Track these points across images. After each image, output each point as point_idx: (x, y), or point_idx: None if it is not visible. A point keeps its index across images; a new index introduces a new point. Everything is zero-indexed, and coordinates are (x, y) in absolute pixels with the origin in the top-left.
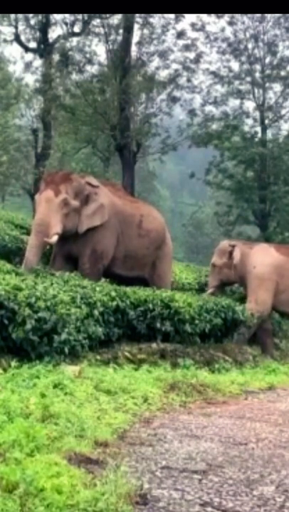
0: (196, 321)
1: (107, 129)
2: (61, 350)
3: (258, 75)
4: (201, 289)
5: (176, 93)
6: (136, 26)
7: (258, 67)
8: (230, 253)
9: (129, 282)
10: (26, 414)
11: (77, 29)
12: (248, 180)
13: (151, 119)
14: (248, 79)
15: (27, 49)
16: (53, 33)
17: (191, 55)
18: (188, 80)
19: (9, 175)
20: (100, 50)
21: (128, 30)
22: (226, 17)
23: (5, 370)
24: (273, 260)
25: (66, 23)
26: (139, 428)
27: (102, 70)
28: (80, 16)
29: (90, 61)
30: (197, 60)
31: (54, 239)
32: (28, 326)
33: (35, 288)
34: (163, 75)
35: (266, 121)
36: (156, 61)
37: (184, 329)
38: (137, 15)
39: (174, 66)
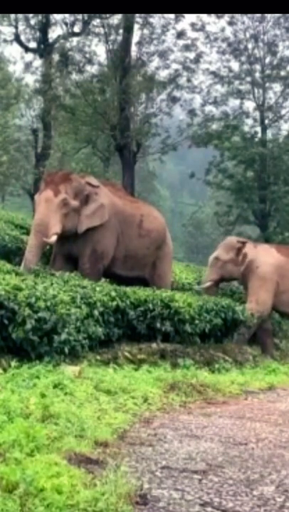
0: (196, 321)
1: (107, 129)
2: (61, 350)
3: (258, 75)
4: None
5: (176, 93)
6: (136, 26)
7: (258, 67)
8: (239, 250)
9: (129, 282)
10: (26, 414)
11: (77, 29)
12: (248, 180)
13: (151, 119)
14: (248, 79)
15: (27, 49)
16: (53, 33)
17: (191, 55)
18: (188, 80)
19: (9, 175)
20: (100, 50)
21: (128, 30)
22: (226, 17)
23: (5, 370)
24: (274, 261)
25: (66, 23)
26: (139, 428)
27: (102, 70)
28: (80, 16)
29: (90, 61)
30: (197, 60)
31: (53, 239)
32: (28, 326)
33: (35, 288)
34: (163, 75)
35: (266, 121)
36: (156, 61)
37: (184, 329)
38: (137, 15)
39: (174, 66)
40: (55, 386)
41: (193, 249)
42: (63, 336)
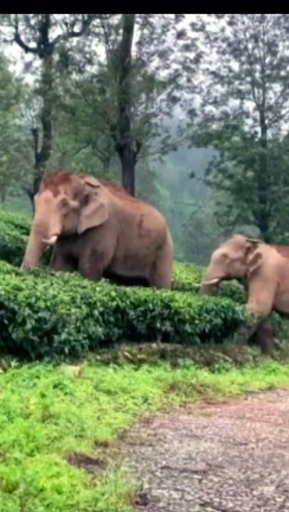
0: (196, 321)
1: (107, 129)
2: (61, 350)
3: (258, 75)
4: None
5: (176, 93)
6: (136, 26)
7: (258, 67)
8: (248, 249)
9: (129, 282)
10: (26, 414)
11: (77, 29)
12: (248, 180)
13: (151, 119)
14: (248, 79)
15: (27, 49)
16: (53, 33)
17: (191, 55)
18: (188, 80)
19: (9, 175)
20: (100, 50)
21: (128, 30)
22: (226, 17)
23: (5, 370)
24: (274, 261)
25: (66, 23)
26: (139, 428)
27: (102, 70)
28: (80, 16)
29: (90, 61)
30: (197, 60)
31: (53, 239)
32: (28, 326)
33: (35, 288)
34: (163, 75)
35: (266, 121)
36: (156, 61)
37: (184, 329)
38: (137, 15)
39: (174, 66)
40: (55, 386)
41: (193, 249)
42: (63, 336)
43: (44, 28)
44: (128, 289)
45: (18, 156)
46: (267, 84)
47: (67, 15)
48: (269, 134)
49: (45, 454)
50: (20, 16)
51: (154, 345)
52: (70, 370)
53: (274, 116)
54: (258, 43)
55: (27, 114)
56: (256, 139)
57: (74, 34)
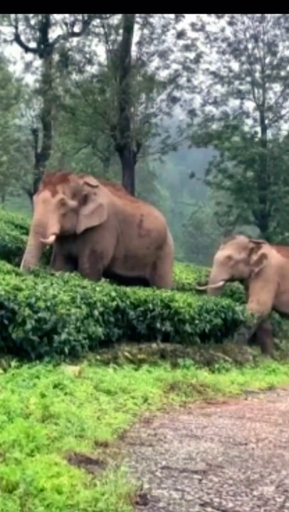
0: (196, 321)
1: (107, 129)
2: (61, 350)
3: (258, 75)
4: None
5: (176, 93)
6: (136, 26)
7: (258, 67)
8: (252, 250)
9: (129, 282)
10: (26, 414)
11: (77, 29)
12: (248, 181)
13: (151, 119)
14: (248, 79)
15: (27, 49)
16: (53, 33)
17: (191, 55)
18: (188, 80)
19: (9, 175)
20: (100, 50)
21: (128, 30)
22: (226, 17)
23: (5, 370)
24: (275, 261)
25: (66, 23)
26: (139, 428)
27: (102, 70)
28: (80, 16)
29: (90, 61)
30: (197, 60)
31: (51, 239)
32: (28, 326)
33: (35, 288)
34: (163, 75)
35: (266, 121)
36: (156, 61)
37: (184, 329)
38: (137, 15)
39: (174, 66)
40: (55, 386)
41: (193, 249)
42: (63, 336)
43: (44, 28)
44: (128, 289)
45: (18, 156)
46: (267, 85)
47: (67, 15)
48: (269, 134)
49: (45, 454)
50: (20, 15)
51: (154, 345)
52: (70, 370)
53: (274, 116)
54: (258, 43)
55: (27, 114)
56: (256, 139)
57: (74, 34)
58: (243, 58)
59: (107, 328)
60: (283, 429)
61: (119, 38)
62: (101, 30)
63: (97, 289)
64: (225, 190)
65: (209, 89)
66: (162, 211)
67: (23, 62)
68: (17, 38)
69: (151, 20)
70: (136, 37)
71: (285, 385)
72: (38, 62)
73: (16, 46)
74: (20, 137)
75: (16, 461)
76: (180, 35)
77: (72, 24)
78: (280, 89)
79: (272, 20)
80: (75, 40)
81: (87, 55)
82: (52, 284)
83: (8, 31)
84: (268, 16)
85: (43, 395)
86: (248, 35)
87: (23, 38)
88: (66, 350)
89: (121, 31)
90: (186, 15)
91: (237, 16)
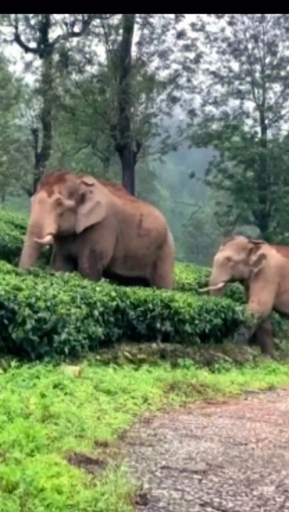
0: (196, 321)
1: (107, 129)
2: (61, 350)
3: (258, 75)
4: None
5: (176, 93)
6: (136, 26)
7: (258, 67)
8: (251, 250)
9: (129, 282)
10: (26, 414)
11: (77, 29)
12: (248, 181)
13: (151, 119)
14: (248, 79)
15: (27, 49)
16: (53, 33)
17: (191, 55)
18: (188, 80)
19: (9, 175)
20: (100, 50)
21: (128, 30)
22: (226, 17)
23: (5, 370)
24: (275, 261)
25: (66, 23)
26: (139, 428)
27: (102, 70)
28: (80, 16)
29: (90, 61)
30: (197, 60)
31: (47, 239)
32: (28, 326)
33: (35, 288)
34: (163, 75)
35: (266, 121)
36: (156, 61)
37: (184, 329)
38: (137, 15)
39: (174, 66)
40: (55, 386)
41: (193, 249)
42: (63, 336)
43: (44, 28)
44: (128, 289)
45: (18, 156)
46: (267, 85)
47: (67, 15)
48: (269, 134)
49: (45, 454)
50: (20, 15)
51: (154, 345)
52: (70, 370)
53: (274, 117)
54: (258, 43)
55: (27, 114)
56: (256, 139)
57: (74, 34)
58: (243, 58)
59: (107, 328)
60: (283, 429)
61: (119, 38)
62: (101, 30)
63: (97, 289)
64: (225, 190)
65: (209, 89)
66: (162, 211)
67: (23, 62)
68: (17, 38)
69: (151, 20)
70: (136, 37)
71: (285, 385)
72: (38, 62)
73: (16, 46)
74: (21, 137)
75: (16, 461)
76: (180, 35)
77: (72, 24)
78: (280, 89)
79: (272, 20)
80: (75, 40)
81: (87, 55)
82: (52, 284)
83: (8, 31)
84: (268, 16)
85: (43, 395)
86: (248, 35)
87: (23, 38)
88: (66, 350)
89: (121, 31)
90: (186, 15)
91: (237, 15)
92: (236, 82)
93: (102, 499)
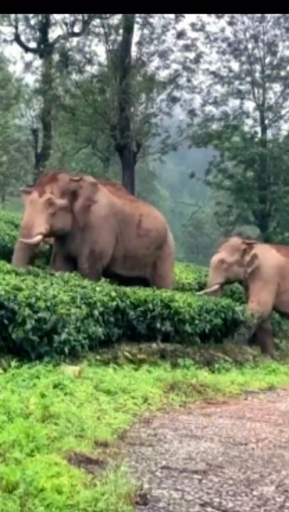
0: (196, 321)
1: (107, 129)
2: (61, 350)
3: (258, 75)
4: (202, 289)
5: (176, 93)
6: (136, 26)
7: (258, 67)
8: (244, 251)
9: (129, 282)
10: (26, 414)
11: (77, 29)
12: (248, 181)
13: (151, 119)
14: (248, 79)
15: (27, 49)
16: (53, 33)
17: (191, 55)
18: (188, 80)
19: (9, 175)
20: (100, 50)
21: (128, 30)
22: (226, 17)
23: (5, 370)
24: (275, 261)
25: (66, 23)
26: (139, 428)
27: (102, 70)
28: (80, 16)
29: (90, 61)
30: (197, 60)
31: (36, 239)
32: (28, 326)
33: (35, 288)
34: (163, 75)
35: (266, 121)
36: (156, 61)
37: (184, 329)
38: (137, 15)
39: (174, 66)
40: (55, 386)
41: (193, 249)
42: (63, 336)
43: (44, 28)
44: (128, 289)
45: (18, 156)
46: (267, 84)
47: (67, 15)
48: (269, 134)
49: (45, 454)
50: (20, 16)
51: (154, 345)
52: (70, 370)
53: (274, 116)
54: (258, 43)
55: (27, 114)
56: (256, 139)
57: (74, 34)
58: (243, 58)
59: (107, 328)
60: (283, 429)
61: (119, 38)
62: (101, 30)
63: (97, 289)
64: (225, 190)
65: (209, 89)
66: (162, 211)
67: (23, 62)
68: (17, 38)
69: (151, 20)
70: (136, 37)
71: (285, 385)
72: (38, 62)
73: (16, 46)
74: (20, 137)
75: (16, 461)
76: (180, 35)
77: (72, 24)
78: (280, 89)
79: (272, 20)
80: (75, 40)
81: (87, 55)
82: (52, 284)
83: (8, 31)
84: (268, 16)
85: (43, 395)
86: (248, 35)
87: (23, 38)
88: (66, 350)
89: (121, 31)
90: (186, 15)
91: (237, 16)
92: (236, 82)
93: (102, 499)
